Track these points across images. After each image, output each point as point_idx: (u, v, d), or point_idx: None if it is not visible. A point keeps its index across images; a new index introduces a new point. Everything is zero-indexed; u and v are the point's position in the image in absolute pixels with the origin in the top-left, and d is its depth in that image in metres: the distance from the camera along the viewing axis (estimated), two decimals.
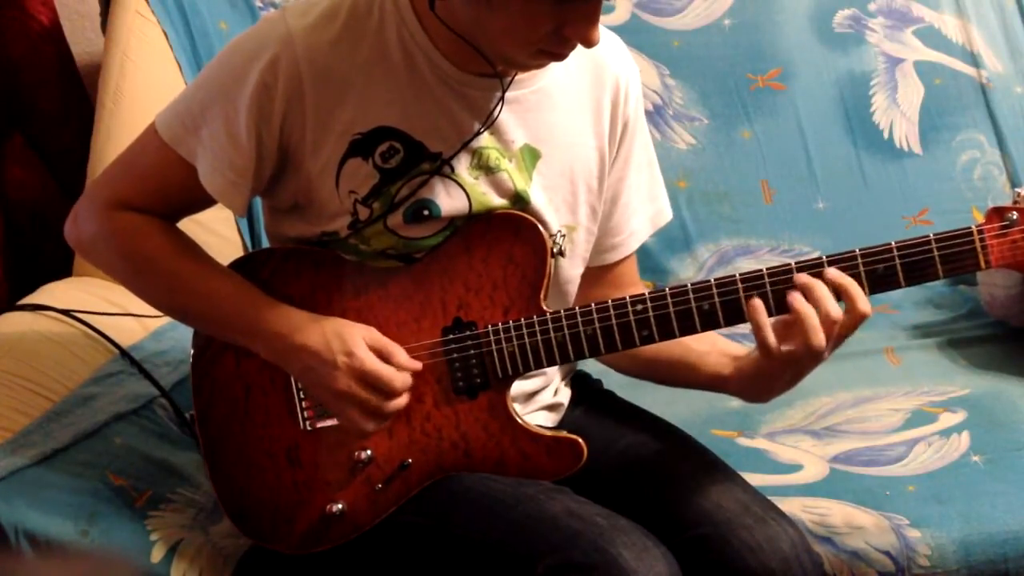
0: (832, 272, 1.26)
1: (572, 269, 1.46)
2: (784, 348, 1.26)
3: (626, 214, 1.50)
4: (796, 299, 1.25)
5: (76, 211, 1.41)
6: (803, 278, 1.25)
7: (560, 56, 1.28)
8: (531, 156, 1.39)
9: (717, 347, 1.42)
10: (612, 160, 1.46)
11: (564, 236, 1.42)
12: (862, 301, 1.25)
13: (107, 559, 1.41)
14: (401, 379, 1.31)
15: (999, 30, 2.45)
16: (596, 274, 1.52)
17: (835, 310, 1.24)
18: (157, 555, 1.42)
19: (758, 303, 1.26)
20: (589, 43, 1.23)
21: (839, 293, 1.25)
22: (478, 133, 1.34)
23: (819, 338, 1.24)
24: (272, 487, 1.39)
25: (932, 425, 1.80)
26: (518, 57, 1.28)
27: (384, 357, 1.31)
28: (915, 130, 2.39)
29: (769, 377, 1.33)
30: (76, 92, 2.22)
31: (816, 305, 1.24)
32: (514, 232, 1.36)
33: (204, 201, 1.38)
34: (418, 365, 1.33)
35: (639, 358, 1.46)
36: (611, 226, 1.50)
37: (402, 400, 1.32)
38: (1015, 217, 1.25)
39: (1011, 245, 1.25)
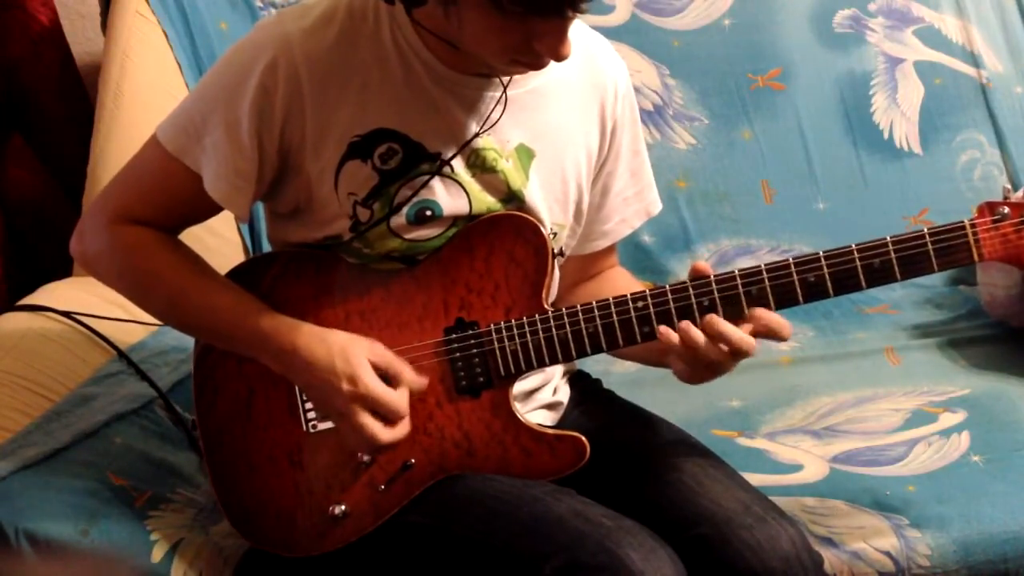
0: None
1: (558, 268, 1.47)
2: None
3: (616, 203, 1.50)
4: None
5: (81, 227, 1.42)
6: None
7: (535, 66, 1.28)
8: (527, 155, 1.39)
9: None
10: (602, 159, 1.46)
11: (556, 235, 1.42)
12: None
13: (107, 559, 1.41)
14: (406, 405, 1.32)
15: (999, 30, 2.45)
16: (581, 264, 1.52)
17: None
18: (157, 555, 1.42)
19: (665, 331, 1.29)
20: (559, 57, 1.24)
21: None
22: (476, 135, 1.35)
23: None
24: (274, 489, 1.39)
25: (932, 425, 1.80)
26: (494, 64, 1.28)
27: (391, 376, 1.31)
28: (915, 130, 2.39)
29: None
30: (76, 92, 2.22)
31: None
32: (515, 233, 1.36)
33: (208, 210, 1.39)
34: (425, 382, 1.34)
35: None
36: (601, 215, 1.50)
37: (404, 427, 1.32)
38: (1007, 211, 1.27)
39: (1002, 239, 1.28)
